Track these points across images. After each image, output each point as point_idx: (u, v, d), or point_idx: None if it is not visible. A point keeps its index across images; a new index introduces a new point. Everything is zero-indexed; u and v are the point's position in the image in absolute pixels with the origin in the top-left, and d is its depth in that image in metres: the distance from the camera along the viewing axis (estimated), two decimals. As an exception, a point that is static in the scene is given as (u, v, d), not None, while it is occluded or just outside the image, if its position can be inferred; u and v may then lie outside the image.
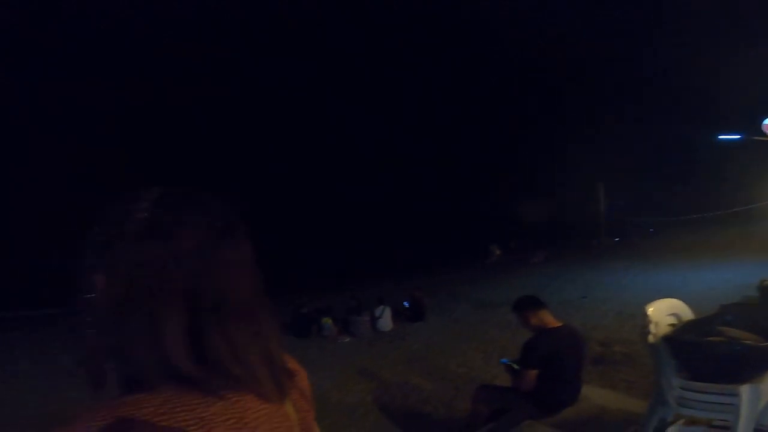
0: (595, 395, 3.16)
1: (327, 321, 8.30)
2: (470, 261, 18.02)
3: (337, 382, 5.42)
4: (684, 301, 2.94)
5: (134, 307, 0.54)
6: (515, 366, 3.14)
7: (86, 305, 0.57)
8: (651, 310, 2.56)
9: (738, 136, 16.52)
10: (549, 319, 3.13)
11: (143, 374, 0.52)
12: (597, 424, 2.56)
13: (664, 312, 2.67)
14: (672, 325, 2.64)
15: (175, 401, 0.50)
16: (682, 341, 2.42)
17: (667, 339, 2.44)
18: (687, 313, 2.82)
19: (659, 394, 2.39)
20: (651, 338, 2.47)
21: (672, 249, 13.94)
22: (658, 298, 2.81)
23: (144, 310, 0.54)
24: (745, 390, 2.15)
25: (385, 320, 8.36)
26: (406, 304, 9.18)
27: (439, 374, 5.45)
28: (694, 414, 2.28)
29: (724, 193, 20.08)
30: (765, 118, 13.72)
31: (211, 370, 0.54)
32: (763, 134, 14.00)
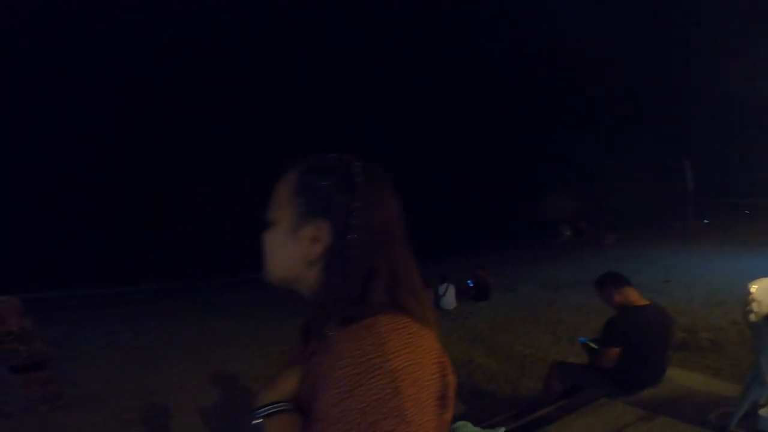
0: (679, 376, 2.93)
1: (390, 298, 8.39)
2: (537, 241, 17.39)
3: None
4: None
5: (376, 249, 0.67)
6: (594, 345, 3.02)
7: (330, 251, 0.68)
8: (755, 288, 2.31)
9: None
10: (634, 296, 2.95)
11: (373, 304, 0.65)
12: (680, 405, 2.36)
13: (768, 290, 2.39)
14: (776, 304, 2.36)
15: (396, 321, 0.63)
16: (787, 321, 2.15)
17: (771, 318, 2.19)
18: (794, 293, 2.50)
19: (757, 374, 2.16)
20: (753, 317, 2.24)
21: (771, 232, 12.52)
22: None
23: (384, 251, 0.68)
24: None
25: (449, 298, 8.31)
26: (470, 283, 9.06)
27: (505, 354, 5.34)
28: (795, 395, 2.04)
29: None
30: None
31: (410, 297, 0.68)
32: None
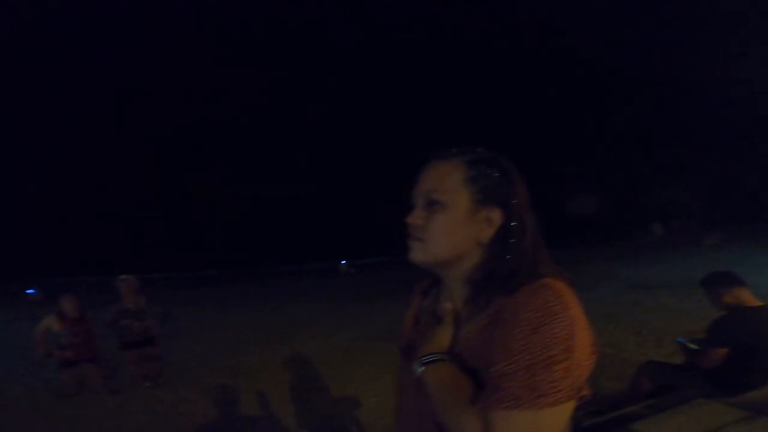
0: (787, 380, 2.62)
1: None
2: (625, 238, 16.22)
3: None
4: None
5: (534, 229, 0.81)
6: (693, 346, 2.82)
7: (502, 234, 0.80)
8: None
9: None
10: (747, 297, 2.70)
11: (539, 273, 0.77)
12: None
13: None
14: None
15: (560, 283, 0.75)
16: None
17: None
18: None
19: None
20: None
21: None
22: None
23: (536, 229, 0.82)
24: None
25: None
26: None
27: (583, 351, 5.06)
28: None
29: None
30: None
31: (555, 268, 0.81)
32: None
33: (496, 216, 0.80)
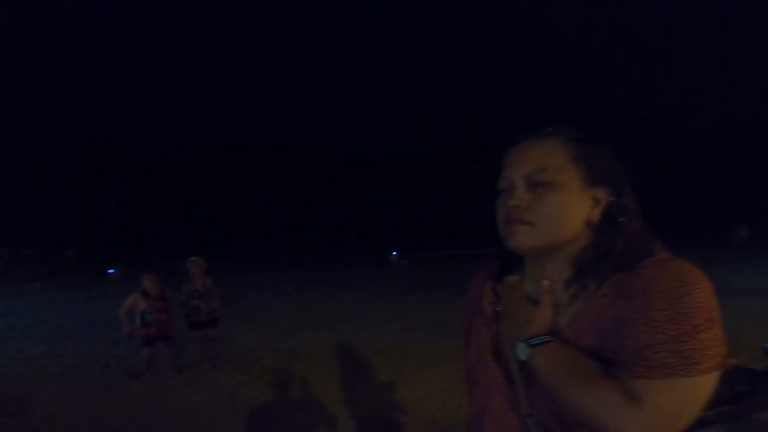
0: None
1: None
2: (707, 241, 15.05)
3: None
4: None
5: (635, 207, 0.79)
6: None
7: (612, 214, 0.78)
8: None
9: None
10: None
11: (653, 249, 0.75)
12: None
13: None
14: None
15: (677, 257, 0.74)
16: None
17: None
18: None
19: None
20: None
21: None
22: None
23: (640, 208, 0.79)
24: None
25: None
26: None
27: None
28: None
29: None
30: None
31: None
32: None
33: (603, 195, 0.78)
